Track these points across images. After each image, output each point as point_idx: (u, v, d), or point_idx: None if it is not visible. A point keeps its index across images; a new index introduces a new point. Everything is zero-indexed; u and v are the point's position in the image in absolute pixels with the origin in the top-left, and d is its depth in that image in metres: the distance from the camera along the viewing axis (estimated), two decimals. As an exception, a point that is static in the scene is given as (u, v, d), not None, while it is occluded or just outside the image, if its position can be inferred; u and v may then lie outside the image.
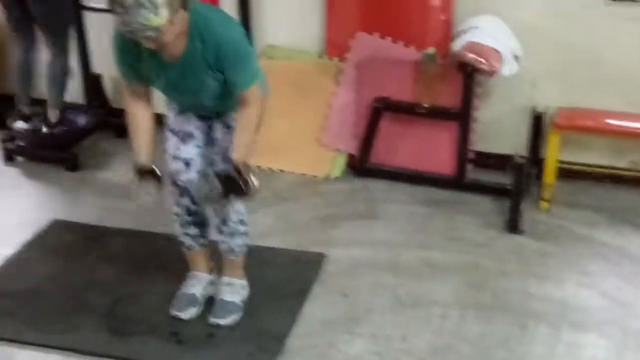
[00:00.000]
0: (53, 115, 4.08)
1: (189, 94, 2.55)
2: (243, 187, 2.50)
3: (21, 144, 4.10)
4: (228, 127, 2.66)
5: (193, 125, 2.72)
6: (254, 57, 2.58)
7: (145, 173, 2.60)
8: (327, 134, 3.97)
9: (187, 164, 2.70)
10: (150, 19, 2.20)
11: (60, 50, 4.01)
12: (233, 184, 2.50)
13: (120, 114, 4.32)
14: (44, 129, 4.08)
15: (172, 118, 2.74)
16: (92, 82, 4.31)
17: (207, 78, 2.48)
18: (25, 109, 4.13)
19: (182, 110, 2.72)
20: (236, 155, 2.52)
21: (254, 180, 2.51)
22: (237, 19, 3.87)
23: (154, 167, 2.61)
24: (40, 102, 4.20)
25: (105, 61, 4.25)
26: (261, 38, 4.07)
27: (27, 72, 4.09)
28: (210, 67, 2.44)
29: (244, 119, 2.52)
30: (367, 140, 3.86)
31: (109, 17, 4.14)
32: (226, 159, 2.62)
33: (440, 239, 3.38)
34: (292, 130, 3.99)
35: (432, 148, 3.85)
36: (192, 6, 2.38)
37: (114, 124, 4.34)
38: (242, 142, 2.53)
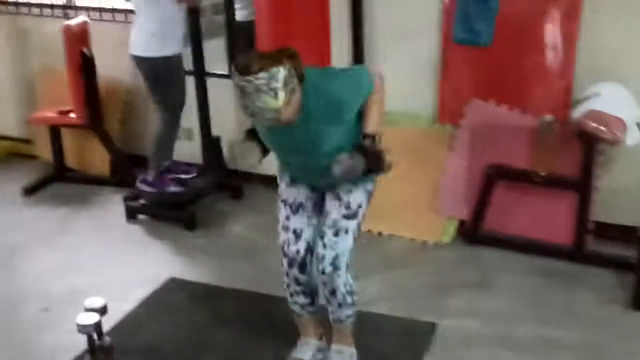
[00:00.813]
0: (150, 174, 4.23)
1: (309, 154, 2.58)
2: (380, 161, 2.54)
3: (143, 202, 4.30)
4: (339, 199, 2.68)
5: (304, 196, 2.76)
6: (360, 68, 2.70)
7: (253, 137, 2.66)
8: (439, 200, 3.94)
9: (297, 235, 2.74)
10: (269, 102, 2.29)
11: (171, 120, 4.15)
12: (371, 158, 2.53)
13: (237, 176, 4.53)
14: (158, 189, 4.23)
15: (283, 188, 2.80)
16: (211, 144, 4.48)
17: (327, 129, 2.51)
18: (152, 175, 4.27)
19: (294, 180, 2.77)
20: (371, 128, 2.55)
21: (386, 155, 2.55)
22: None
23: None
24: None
25: (223, 123, 4.46)
26: (374, 103, 4.11)
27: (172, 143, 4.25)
28: (328, 119, 2.48)
29: (370, 105, 2.56)
30: (480, 207, 3.79)
31: (228, 83, 4.35)
32: (338, 229, 2.64)
33: (557, 313, 3.24)
34: (403, 195, 3.98)
35: (549, 217, 3.73)
36: (307, 72, 2.44)
37: (230, 185, 4.48)
38: (373, 117, 2.56)
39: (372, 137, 2.55)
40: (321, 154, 2.55)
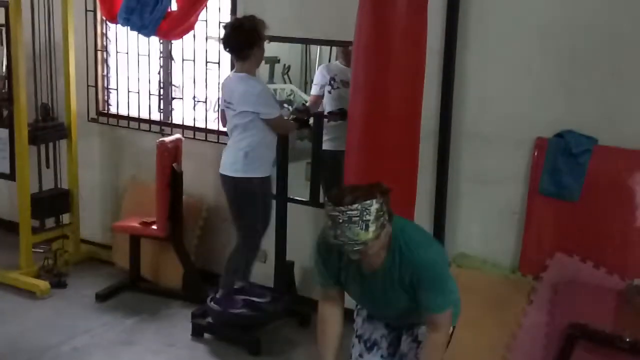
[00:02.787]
0: (220, 292, 4.21)
1: (382, 305, 2.57)
2: None
3: (210, 321, 4.27)
4: (416, 341, 2.61)
5: (380, 334, 2.70)
6: (452, 283, 2.57)
7: None
8: (513, 354, 3.76)
9: (369, 373, 2.66)
10: (359, 234, 2.30)
11: (246, 241, 4.18)
12: None
13: (306, 302, 4.49)
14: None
15: (359, 323, 2.76)
16: (284, 269, 4.48)
17: (401, 294, 2.48)
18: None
19: (372, 317, 2.72)
20: None
21: None
22: (430, 222, 3.98)
23: None
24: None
25: (297, 249, 4.47)
26: (452, 245, 4.06)
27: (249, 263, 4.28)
28: (404, 284, 2.46)
29: (430, 345, 2.47)
30: (559, 367, 3.60)
31: (307, 209, 4.40)
32: None
33: None
34: (475, 344, 3.82)
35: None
36: (395, 222, 2.45)
37: (299, 312, 4.43)
38: None
39: None
40: (393, 307, 2.52)
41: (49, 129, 5.02)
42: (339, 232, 2.32)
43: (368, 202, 2.33)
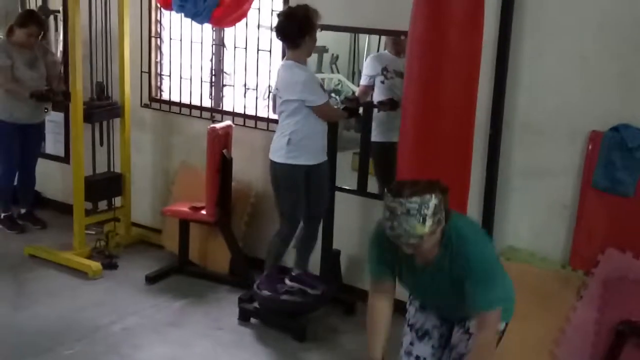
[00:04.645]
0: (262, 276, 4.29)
1: (434, 297, 2.57)
2: None
3: (257, 306, 4.32)
4: (467, 333, 2.61)
5: (432, 324, 2.71)
6: (504, 280, 2.55)
7: None
8: (561, 349, 3.72)
9: (419, 362, 2.66)
10: (416, 227, 2.30)
11: (285, 227, 4.27)
12: None
13: (351, 291, 4.51)
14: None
15: (412, 313, 2.77)
16: (331, 258, 4.50)
17: (451, 289, 2.49)
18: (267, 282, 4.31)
19: (424, 307, 2.72)
20: None
21: None
22: (479, 214, 3.95)
23: None
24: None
25: (344, 238, 4.49)
26: (501, 238, 4.02)
27: (286, 249, 4.36)
28: (455, 279, 2.46)
29: (478, 345, 2.46)
30: (608, 364, 3.55)
31: (354, 198, 4.41)
32: None
33: None
34: (523, 338, 3.78)
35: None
36: (451, 217, 2.45)
37: (344, 300, 4.45)
38: None
39: None
40: (447, 299, 2.51)
41: (103, 107, 5.11)
42: (396, 223, 2.33)
43: (427, 196, 2.34)
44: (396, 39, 4.39)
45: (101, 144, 5.17)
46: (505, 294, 2.56)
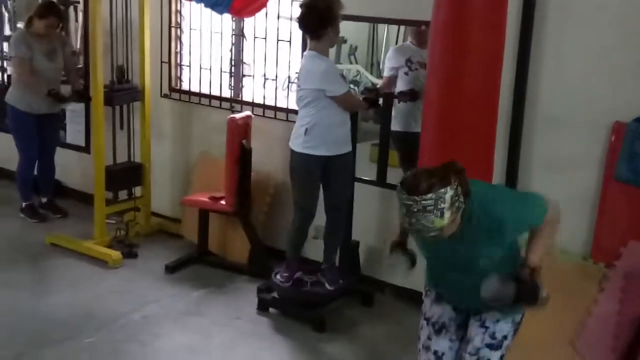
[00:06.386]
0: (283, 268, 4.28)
1: (460, 268, 2.53)
2: (534, 294, 2.46)
3: (276, 296, 4.33)
4: (485, 327, 2.59)
5: (448, 317, 2.69)
6: (534, 196, 2.58)
7: (400, 247, 2.68)
8: (582, 342, 3.70)
9: (438, 357, 2.67)
10: (434, 221, 2.28)
11: (296, 217, 4.25)
12: (525, 289, 2.46)
13: (370, 282, 4.50)
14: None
15: (428, 306, 2.75)
16: (350, 249, 4.49)
17: (487, 248, 2.46)
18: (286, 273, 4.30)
19: (440, 299, 2.70)
20: (532, 259, 2.49)
21: (543, 289, 2.48)
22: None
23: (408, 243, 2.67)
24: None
25: (363, 229, 4.48)
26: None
27: (301, 240, 4.34)
28: (488, 234, 2.44)
29: (542, 228, 2.50)
30: (629, 358, 3.52)
31: (375, 190, 4.39)
32: (480, 358, 2.54)
33: None
34: (544, 330, 3.77)
35: None
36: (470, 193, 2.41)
37: (362, 291, 4.45)
38: (537, 249, 2.50)
39: (532, 269, 2.45)
40: (477, 273, 2.48)
41: (124, 90, 5.13)
42: (414, 220, 2.28)
43: (442, 190, 2.27)
44: (418, 29, 4.36)
45: (121, 127, 5.18)
46: (540, 198, 2.56)
